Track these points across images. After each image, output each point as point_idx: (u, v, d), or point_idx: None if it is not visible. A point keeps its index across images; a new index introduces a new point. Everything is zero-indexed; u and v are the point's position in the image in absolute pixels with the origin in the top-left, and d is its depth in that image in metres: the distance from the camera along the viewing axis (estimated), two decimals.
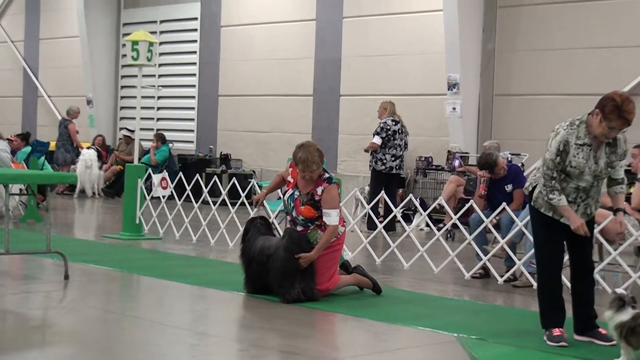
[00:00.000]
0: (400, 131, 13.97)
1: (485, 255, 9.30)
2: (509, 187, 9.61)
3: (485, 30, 15.35)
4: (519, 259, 8.95)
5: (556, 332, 6.28)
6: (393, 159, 13.88)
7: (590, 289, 6.49)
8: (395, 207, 10.90)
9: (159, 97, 20.64)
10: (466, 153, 14.94)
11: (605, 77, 14.05)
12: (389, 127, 13.88)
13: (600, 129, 6.12)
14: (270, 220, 8.44)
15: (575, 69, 14.39)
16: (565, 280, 6.90)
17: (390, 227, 12.15)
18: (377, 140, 13.87)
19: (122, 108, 22.03)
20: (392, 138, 13.86)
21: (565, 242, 6.41)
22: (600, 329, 6.36)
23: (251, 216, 8.38)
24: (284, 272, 7.47)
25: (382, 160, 13.86)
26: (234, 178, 11.93)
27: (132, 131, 18.65)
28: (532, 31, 14.94)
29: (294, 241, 7.56)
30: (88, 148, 19.03)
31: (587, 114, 6.24)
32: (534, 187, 6.40)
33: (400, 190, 15.18)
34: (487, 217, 9.33)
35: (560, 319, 6.35)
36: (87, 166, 18.50)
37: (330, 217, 7.62)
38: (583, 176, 6.22)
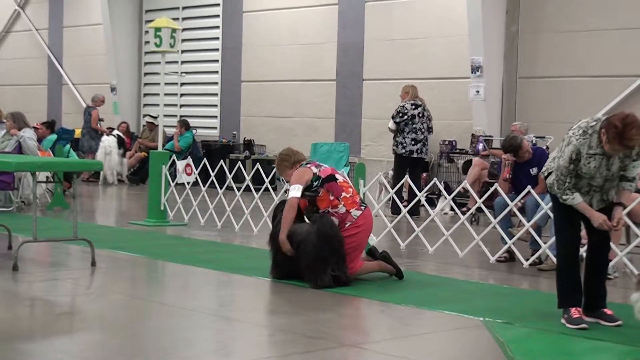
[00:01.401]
0: (421, 115, 13.93)
1: (510, 239, 9.27)
2: (534, 171, 9.55)
3: (508, 13, 15.23)
4: (545, 242, 8.91)
5: (575, 313, 6.30)
6: (413, 142, 13.84)
7: (604, 269, 6.57)
8: (420, 192, 10.88)
9: (182, 84, 20.70)
10: (490, 136, 14.86)
11: (630, 58, 13.93)
12: (406, 111, 13.87)
13: (607, 148, 6.12)
14: None
15: (600, 51, 14.26)
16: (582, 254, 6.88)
17: (414, 212, 12.13)
18: (391, 124, 14.00)
19: (145, 95, 22.11)
20: (410, 122, 13.84)
21: (583, 223, 6.44)
22: (606, 310, 6.42)
23: (276, 200, 8.41)
24: (316, 257, 7.47)
25: (402, 143, 13.87)
26: (258, 163, 11.95)
27: (155, 117, 18.71)
28: (555, 13, 14.81)
29: (325, 226, 7.56)
30: (108, 135, 19.11)
31: (602, 121, 6.17)
32: (550, 173, 6.42)
33: (425, 175, 15.15)
34: (512, 201, 9.30)
35: (578, 299, 6.40)
36: (107, 153, 18.60)
37: (289, 192, 7.75)
38: (594, 179, 6.28)
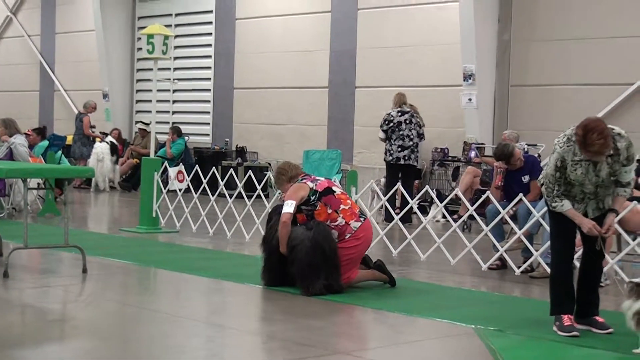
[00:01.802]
0: (408, 121, 13.89)
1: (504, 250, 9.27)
2: (525, 178, 9.57)
3: (500, 21, 15.28)
4: (536, 250, 8.92)
5: (567, 321, 6.31)
6: (400, 149, 13.84)
7: (598, 277, 6.59)
8: (412, 199, 10.89)
9: (175, 90, 20.68)
10: (482, 144, 14.90)
11: (621, 67, 13.98)
12: (392, 119, 13.90)
13: (583, 154, 6.13)
14: None
15: (592, 59, 14.31)
16: (576, 262, 6.88)
17: (406, 219, 12.13)
18: (380, 134, 14.08)
19: (137, 101, 22.09)
20: (396, 129, 13.85)
21: (579, 230, 6.44)
22: (597, 317, 6.43)
23: (269, 205, 8.39)
24: (309, 264, 7.46)
25: (389, 151, 13.91)
26: (250, 171, 11.95)
27: (147, 124, 18.69)
28: (548, 21, 14.86)
29: (321, 233, 7.55)
30: (101, 141, 19.09)
31: None
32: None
33: (417, 182, 15.17)
34: (504, 209, 9.31)
35: (570, 306, 6.41)
36: (99, 160, 18.56)
37: (283, 207, 7.72)
38: (584, 186, 6.29)
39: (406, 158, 13.87)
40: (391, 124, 13.87)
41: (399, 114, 13.93)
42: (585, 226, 6.26)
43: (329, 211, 7.73)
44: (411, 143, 13.91)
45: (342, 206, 7.77)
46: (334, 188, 7.90)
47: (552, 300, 6.46)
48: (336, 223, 7.71)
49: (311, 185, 7.80)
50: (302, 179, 7.91)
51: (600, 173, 6.21)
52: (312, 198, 7.75)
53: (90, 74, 22.23)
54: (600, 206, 6.38)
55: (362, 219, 7.85)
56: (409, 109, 14.02)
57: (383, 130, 13.97)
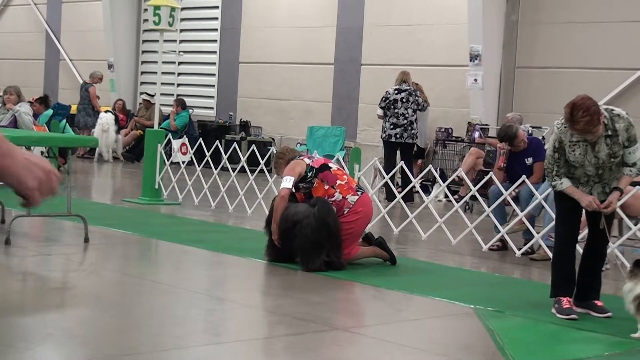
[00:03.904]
0: (404, 100, 13.80)
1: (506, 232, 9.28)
2: (529, 160, 9.56)
3: (508, 2, 15.21)
4: (538, 232, 8.93)
5: (565, 304, 6.31)
6: (392, 127, 13.78)
7: (600, 261, 6.59)
8: (414, 178, 10.89)
9: (180, 63, 20.63)
10: (486, 125, 14.87)
11: (628, 51, 13.93)
12: (388, 96, 13.87)
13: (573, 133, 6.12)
14: None
15: (599, 42, 14.26)
16: (579, 247, 6.88)
17: (408, 198, 12.13)
18: (378, 111, 14.05)
19: (142, 73, 22.05)
20: (392, 106, 13.81)
21: (585, 213, 6.44)
22: (596, 301, 6.43)
23: (271, 179, 8.40)
24: (313, 240, 7.47)
25: (384, 127, 13.92)
26: (254, 145, 11.95)
27: (152, 95, 18.67)
28: (556, 4, 14.79)
29: (324, 210, 7.56)
30: (105, 112, 19.07)
31: None
32: None
33: (420, 161, 15.15)
34: (507, 190, 9.31)
35: (570, 289, 6.42)
36: (104, 130, 18.53)
37: (281, 184, 7.77)
38: (585, 168, 6.27)
39: (398, 136, 13.76)
40: (387, 101, 13.85)
41: (396, 91, 13.89)
42: (584, 200, 6.24)
43: (326, 187, 7.75)
44: (405, 121, 13.77)
45: (338, 181, 7.80)
46: (330, 164, 7.95)
47: (553, 283, 6.48)
48: (333, 198, 7.73)
49: (307, 161, 7.85)
50: (298, 157, 7.96)
51: (599, 154, 6.18)
52: (309, 174, 7.77)
53: (96, 44, 22.17)
54: (606, 190, 6.36)
55: (359, 192, 7.87)
56: (407, 87, 13.91)
57: (381, 107, 13.96)
